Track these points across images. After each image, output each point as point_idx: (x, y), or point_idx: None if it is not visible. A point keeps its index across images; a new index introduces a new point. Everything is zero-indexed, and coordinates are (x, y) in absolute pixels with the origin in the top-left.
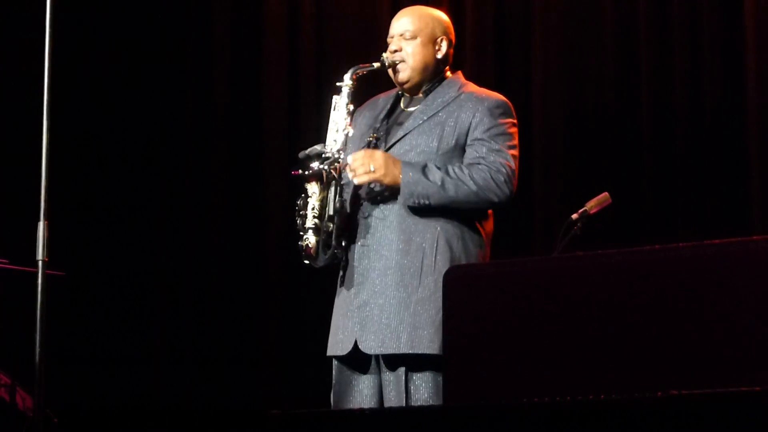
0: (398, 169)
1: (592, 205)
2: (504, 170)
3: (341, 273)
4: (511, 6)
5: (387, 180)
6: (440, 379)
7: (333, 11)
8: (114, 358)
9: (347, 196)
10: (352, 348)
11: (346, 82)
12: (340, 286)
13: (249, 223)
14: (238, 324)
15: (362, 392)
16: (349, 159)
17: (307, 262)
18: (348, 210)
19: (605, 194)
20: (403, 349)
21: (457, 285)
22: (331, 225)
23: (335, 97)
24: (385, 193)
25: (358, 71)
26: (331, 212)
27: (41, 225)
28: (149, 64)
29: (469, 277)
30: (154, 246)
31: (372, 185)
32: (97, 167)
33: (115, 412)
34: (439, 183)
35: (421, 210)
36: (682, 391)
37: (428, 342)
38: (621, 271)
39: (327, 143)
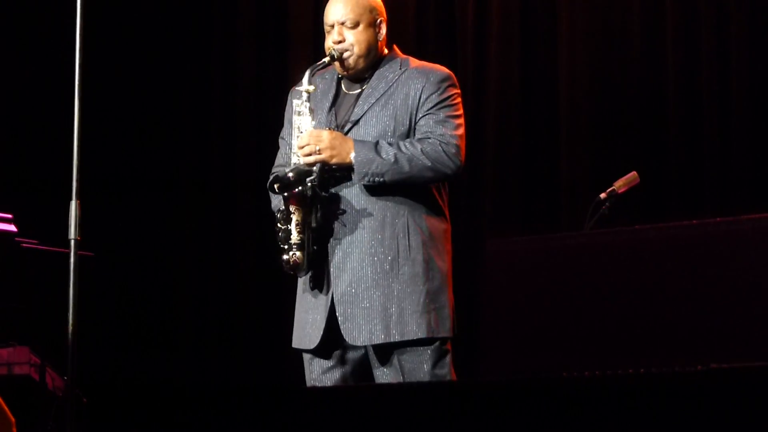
0: (349, 148)
1: (620, 185)
2: (453, 141)
3: (312, 273)
4: None
5: (335, 160)
6: (433, 355)
7: None
8: (142, 338)
9: (325, 203)
10: (323, 341)
11: (306, 86)
12: (311, 283)
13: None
14: (267, 303)
15: (331, 381)
16: (297, 142)
17: (292, 273)
18: (327, 219)
19: (634, 173)
20: (395, 338)
21: (496, 258)
22: (311, 236)
23: (296, 101)
24: (343, 181)
25: (313, 72)
26: (314, 225)
27: (73, 204)
28: (178, 46)
29: (507, 252)
30: (181, 226)
31: (327, 167)
32: (126, 148)
33: (144, 392)
34: (393, 159)
35: (385, 193)
36: (720, 365)
37: (416, 327)
38: (658, 246)
39: (293, 149)
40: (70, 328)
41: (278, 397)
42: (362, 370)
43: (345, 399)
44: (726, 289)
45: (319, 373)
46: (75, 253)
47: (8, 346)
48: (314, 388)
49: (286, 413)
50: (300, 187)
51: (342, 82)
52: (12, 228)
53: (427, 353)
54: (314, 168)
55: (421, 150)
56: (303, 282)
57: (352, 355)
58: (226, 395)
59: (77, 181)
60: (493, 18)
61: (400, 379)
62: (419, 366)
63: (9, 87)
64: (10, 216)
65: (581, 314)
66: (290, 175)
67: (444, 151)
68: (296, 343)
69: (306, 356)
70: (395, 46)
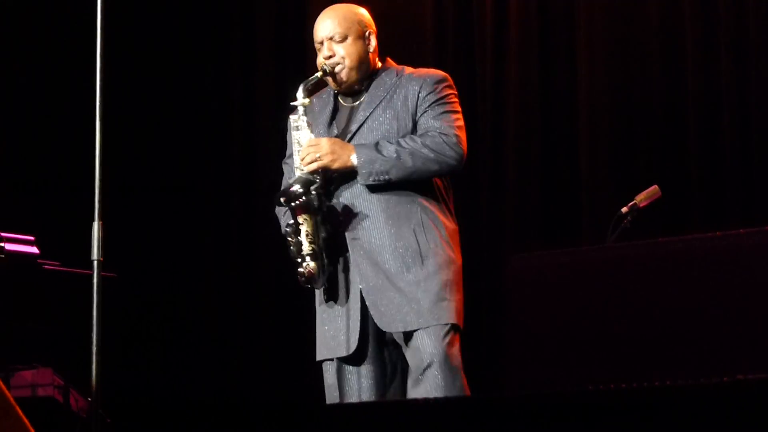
0: (350, 151)
1: (641, 198)
2: (452, 131)
3: (326, 285)
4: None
5: (336, 164)
6: (447, 340)
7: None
8: (165, 358)
9: (333, 210)
10: (361, 340)
11: (301, 100)
12: (328, 295)
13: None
14: (290, 321)
15: (364, 384)
16: (297, 154)
17: (308, 286)
18: (337, 226)
19: (655, 187)
20: (423, 325)
21: (519, 274)
22: (324, 246)
23: (292, 117)
24: (350, 185)
25: (307, 86)
26: (324, 234)
27: (96, 225)
28: (197, 68)
29: (530, 266)
30: (202, 246)
31: (332, 174)
32: (148, 168)
33: (168, 412)
34: (395, 155)
35: (396, 192)
36: (746, 376)
37: (445, 312)
38: (681, 258)
39: (295, 163)
40: (94, 348)
41: (302, 414)
42: (385, 364)
43: (368, 414)
44: (751, 301)
45: (352, 378)
46: (98, 274)
47: (31, 368)
48: (335, 406)
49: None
50: (304, 197)
51: (339, 97)
52: (34, 250)
53: (444, 336)
54: (317, 176)
55: (422, 143)
56: (320, 294)
57: (376, 351)
58: (250, 413)
59: (99, 202)
60: (511, 31)
61: (420, 357)
62: (438, 347)
63: (31, 108)
64: (32, 238)
65: (605, 327)
66: (294, 186)
67: (445, 142)
68: (324, 354)
69: (332, 365)
70: (389, 59)
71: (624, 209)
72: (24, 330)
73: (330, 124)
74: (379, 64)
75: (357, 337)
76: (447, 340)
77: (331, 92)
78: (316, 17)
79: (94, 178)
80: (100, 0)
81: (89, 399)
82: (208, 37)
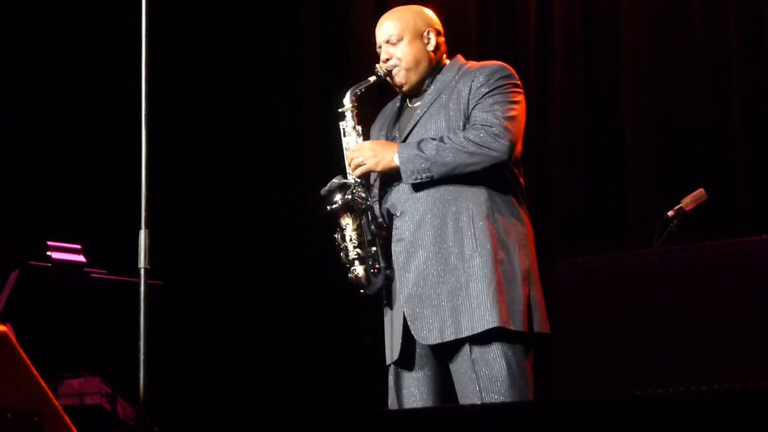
0: (392, 152)
1: (687, 202)
2: (497, 122)
3: (385, 287)
4: (599, 7)
5: (380, 166)
6: (507, 349)
7: None
8: (212, 365)
9: (378, 211)
10: (403, 349)
11: (348, 105)
12: (386, 297)
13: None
14: (338, 327)
15: (420, 389)
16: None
17: (362, 291)
18: (383, 228)
19: (701, 191)
20: (465, 333)
21: (565, 278)
22: (374, 248)
23: (341, 123)
24: (396, 183)
25: (356, 91)
26: (369, 237)
27: (142, 233)
28: (241, 76)
29: (576, 271)
30: (248, 252)
31: (384, 176)
32: (193, 175)
33: (215, 420)
34: (435, 152)
35: (444, 190)
36: None
37: (488, 318)
38: (729, 262)
39: (347, 170)
40: (142, 356)
41: (350, 421)
42: (442, 370)
43: (422, 420)
44: None
45: (409, 383)
46: (145, 282)
47: (79, 377)
48: (389, 412)
49: None
50: (340, 201)
51: (406, 99)
52: (81, 258)
53: (500, 349)
54: (356, 179)
55: (464, 137)
56: (383, 295)
57: (431, 357)
58: (298, 419)
59: (146, 210)
60: (556, 41)
61: (473, 375)
62: (494, 361)
63: (77, 117)
64: (79, 247)
65: (651, 332)
66: (329, 191)
67: (487, 133)
68: (388, 359)
69: (393, 370)
70: (459, 55)
71: (670, 213)
72: (72, 338)
73: (393, 126)
74: (447, 62)
75: (399, 344)
76: (499, 348)
77: (401, 96)
78: (361, 14)
79: (141, 187)
80: (145, 10)
81: (137, 407)
82: (253, 49)
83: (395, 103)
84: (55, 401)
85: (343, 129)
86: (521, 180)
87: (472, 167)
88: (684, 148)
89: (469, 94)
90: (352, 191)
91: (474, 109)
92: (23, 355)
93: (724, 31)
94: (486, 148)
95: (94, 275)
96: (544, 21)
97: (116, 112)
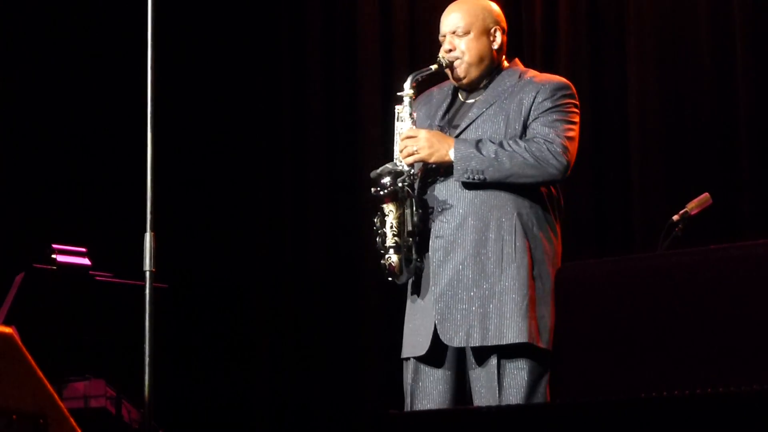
0: (448, 145)
1: (693, 206)
2: (559, 141)
3: (413, 279)
4: (605, 5)
5: (434, 158)
6: (531, 365)
7: (425, 9)
8: (218, 369)
9: (422, 204)
10: (430, 344)
11: (407, 91)
12: (413, 290)
13: (346, 231)
14: (343, 329)
15: (438, 388)
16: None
17: (390, 279)
18: (425, 221)
19: (706, 195)
20: (492, 341)
21: (569, 283)
22: (411, 240)
23: (398, 107)
24: (445, 179)
25: (417, 77)
26: (410, 228)
27: (148, 236)
28: (246, 77)
29: (580, 275)
30: (254, 255)
31: (430, 167)
32: (198, 178)
33: (220, 423)
34: (493, 156)
35: (493, 194)
36: None
37: (517, 331)
38: (734, 265)
39: (395, 154)
40: (147, 359)
41: (357, 423)
42: (463, 373)
43: (437, 422)
44: None
45: (428, 381)
46: (150, 285)
47: (84, 379)
48: (397, 414)
49: None
50: (391, 187)
51: (459, 92)
52: (86, 261)
53: (525, 363)
54: (408, 168)
55: (525, 148)
56: (409, 288)
57: (454, 358)
58: (304, 423)
59: (151, 212)
60: (561, 35)
61: (495, 384)
62: (516, 374)
63: (82, 119)
64: (84, 249)
65: (656, 335)
66: (383, 176)
67: (549, 150)
68: (407, 353)
69: (410, 365)
70: (517, 60)
71: (675, 217)
72: (77, 341)
73: (443, 117)
74: (506, 64)
75: (429, 339)
76: (529, 372)
77: (452, 85)
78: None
79: (146, 189)
80: (151, 18)
81: (142, 410)
82: (258, 48)
83: (445, 93)
84: (60, 403)
85: (398, 114)
86: (561, 198)
87: (526, 179)
88: (690, 152)
89: (531, 105)
90: (403, 180)
91: (534, 121)
92: (29, 357)
93: (730, 37)
94: (545, 163)
95: (99, 278)
96: (549, 26)
97: (121, 115)
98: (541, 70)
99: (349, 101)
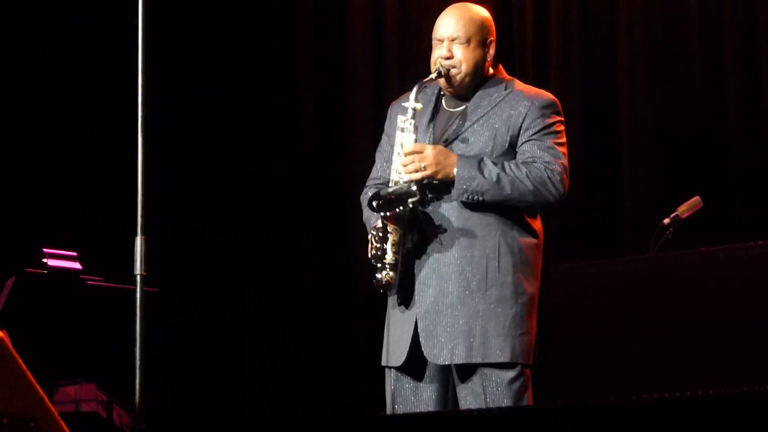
0: (453, 163)
1: (683, 210)
2: (559, 169)
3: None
4: (595, 7)
5: (440, 176)
6: (516, 382)
7: (416, 11)
8: (209, 373)
9: (423, 223)
10: (409, 357)
11: (412, 103)
12: (398, 300)
13: (338, 232)
14: (335, 334)
15: (423, 399)
16: (399, 159)
17: (382, 291)
18: (421, 236)
19: (697, 198)
20: (475, 359)
21: (562, 283)
22: (410, 258)
23: (400, 117)
24: (441, 196)
25: (421, 88)
26: (410, 246)
27: (138, 240)
28: (237, 79)
29: (572, 277)
30: (245, 259)
31: (432, 182)
32: (189, 182)
33: (212, 428)
34: (495, 179)
35: (479, 211)
36: None
37: (500, 350)
38: (725, 268)
39: (394, 166)
40: (138, 363)
41: (348, 426)
42: (448, 388)
43: (424, 425)
44: None
45: (407, 391)
46: (141, 289)
47: (75, 383)
48: (386, 417)
49: None
50: (400, 207)
51: (443, 98)
52: (77, 265)
53: (508, 377)
54: (415, 188)
55: (526, 174)
56: (392, 299)
57: (438, 372)
58: (295, 426)
59: (142, 216)
60: (552, 48)
61: (482, 400)
62: (501, 389)
63: (72, 123)
64: (75, 254)
65: (647, 336)
66: (392, 194)
67: (549, 178)
68: (384, 361)
69: (392, 374)
70: (501, 67)
71: (666, 221)
72: (68, 345)
73: (428, 125)
74: (491, 72)
75: (406, 352)
76: (513, 387)
77: (435, 91)
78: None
79: (137, 193)
80: (141, 15)
81: (133, 414)
82: (250, 51)
83: (428, 98)
84: (51, 407)
85: (402, 125)
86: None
87: (525, 204)
88: (680, 155)
89: (522, 123)
90: (414, 201)
91: (529, 142)
92: (20, 360)
93: (720, 42)
94: (545, 190)
95: (90, 282)
96: (540, 28)
97: (112, 118)
98: (533, 77)
99: (340, 104)
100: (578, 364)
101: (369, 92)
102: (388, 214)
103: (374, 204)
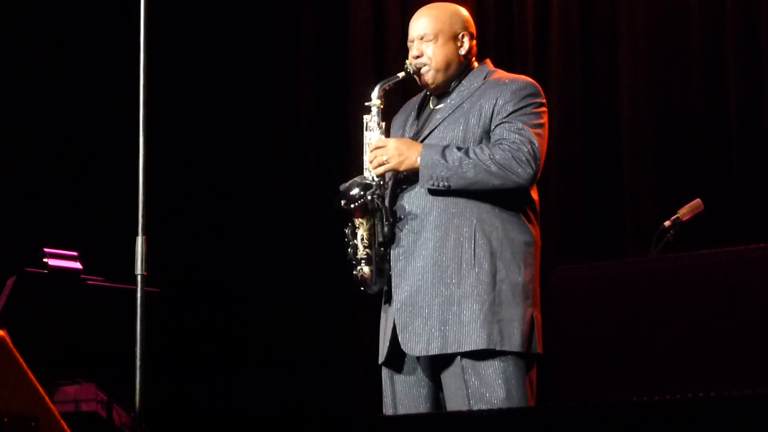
0: (416, 153)
1: (684, 212)
2: (525, 148)
3: (386, 287)
4: (597, 8)
5: (404, 166)
6: (500, 369)
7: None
8: (209, 373)
9: (392, 214)
10: (394, 352)
11: (375, 101)
12: (385, 297)
13: (337, 236)
14: (335, 335)
15: (411, 393)
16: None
17: (362, 289)
18: (395, 232)
19: (697, 201)
20: (451, 349)
21: (562, 285)
22: (382, 250)
23: (365, 117)
24: (414, 187)
25: (384, 86)
26: (380, 239)
27: (139, 239)
28: (238, 79)
29: (573, 278)
30: (246, 259)
31: (398, 175)
32: (190, 181)
33: (210, 427)
34: (457, 164)
35: (455, 201)
36: None
37: (476, 337)
38: (726, 270)
39: (365, 165)
40: (138, 363)
41: (349, 426)
42: (438, 381)
43: (424, 426)
44: None
45: (402, 387)
46: (142, 289)
47: (75, 383)
48: (385, 417)
49: None
50: (361, 200)
51: (430, 98)
52: (78, 265)
53: (494, 366)
54: (378, 179)
55: (490, 155)
56: (384, 295)
57: (429, 367)
58: (295, 426)
59: (143, 216)
60: (552, 47)
61: (463, 391)
62: (482, 378)
63: (74, 123)
64: (75, 253)
65: (648, 339)
66: (352, 189)
67: (513, 158)
68: (379, 359)
69: (385, 371)
70: (488, 60)
71: (667, 223)
72: (68, 345)
73: (412, 125)
74: (476, 65)
75: (387, 347)
76: (493, 367)
77: (425, 93)
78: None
79: (138, 193)
80: (143, 16)
81: (133, 414)
82: (251, 53)
83: (417, 101)
84: (51, 406)
85: (367, 123)
86: (535, 196)
87: (492, 187)
88: (681, 158)
89: (494, 108)
90: (373, 192)
91: (499, 125)
92: (21, 360)
93: (722, 44)
94: (510, 172)
95: (90, 282)
96: (541, 27)
97: (113, 117)
98: (533, 77)
99: (340, 105)
100: (578, 366)
101: (370, 93)
102: (350, 207)
103: (341, 202)
